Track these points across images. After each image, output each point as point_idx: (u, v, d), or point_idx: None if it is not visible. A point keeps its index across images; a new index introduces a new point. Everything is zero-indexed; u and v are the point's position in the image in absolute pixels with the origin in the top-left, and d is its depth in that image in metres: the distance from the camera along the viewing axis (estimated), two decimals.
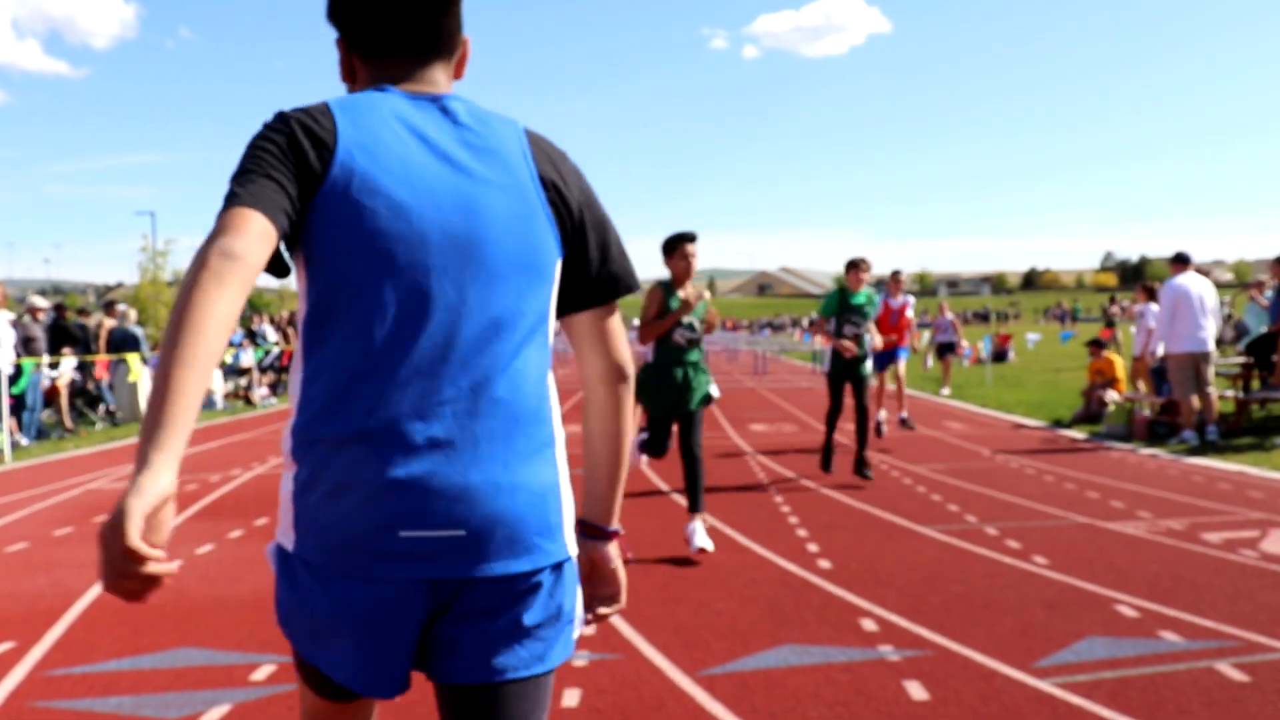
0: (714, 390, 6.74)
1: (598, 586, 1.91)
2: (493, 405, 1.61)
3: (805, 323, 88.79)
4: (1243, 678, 4.18)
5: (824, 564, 6.32)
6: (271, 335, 24.16)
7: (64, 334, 16.59)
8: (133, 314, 19.67)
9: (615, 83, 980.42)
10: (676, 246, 6.62)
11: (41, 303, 16.31)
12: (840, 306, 9.30)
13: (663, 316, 6.62)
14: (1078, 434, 13.15)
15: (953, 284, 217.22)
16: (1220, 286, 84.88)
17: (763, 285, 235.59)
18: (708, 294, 6.71)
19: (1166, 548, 6.63)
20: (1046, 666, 4.37)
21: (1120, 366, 14.75)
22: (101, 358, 16.38)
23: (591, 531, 1.90)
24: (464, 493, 1.58)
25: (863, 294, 9.36)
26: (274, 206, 1.50)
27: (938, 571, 6.10)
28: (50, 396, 15.27)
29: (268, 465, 11.24)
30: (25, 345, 14.87)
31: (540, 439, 1.67)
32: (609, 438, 1.84)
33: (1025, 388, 20.79)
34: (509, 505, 1.61)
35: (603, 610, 1.91)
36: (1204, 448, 11.34)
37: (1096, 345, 15.16)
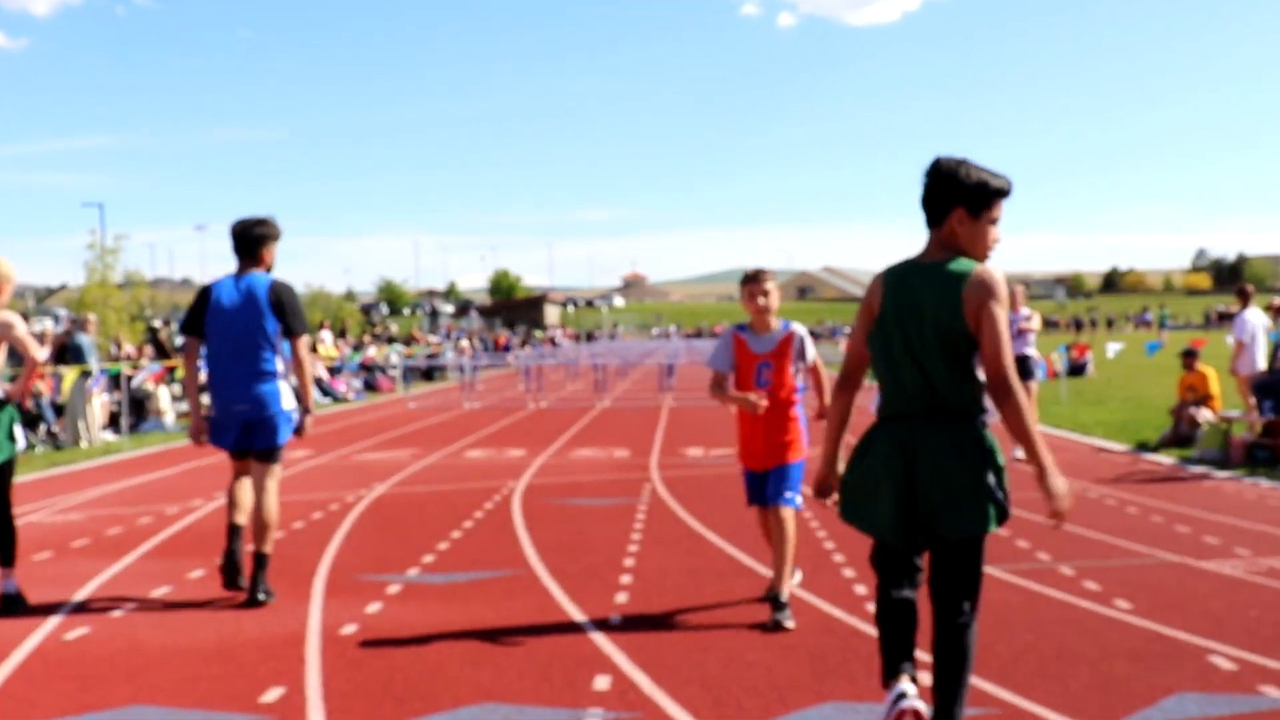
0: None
1: (300, 430, 7.19)
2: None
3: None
4: None
5: (873, 608, 6.31)
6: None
7: None
8: (93, 320, 19.87)
9: (630, 55, 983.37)
10: None
11: None
12: None
13: None
14: (1166, 459, 13.12)
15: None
16: None
17: (803, 288, 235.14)
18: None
19: (1268, 590, 6.61)
20: None
21: (1215, 381, 14.69)
22: (40, 370, 16.50)
23: (303, 410, 7.20)
24: (246, 392, 6.99)
25: None
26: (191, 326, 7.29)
27: (1005, 617, 6.10)
28: None
29: None
30: None
31: (271, 376, 7.03)
32: (299, 380, 7.21)
33: (1106, 406, 20.74)
34: (260, 397, 7.01)
35: (306, 426, 7.23)
36: None
37: (1189, 356, 15.12)
